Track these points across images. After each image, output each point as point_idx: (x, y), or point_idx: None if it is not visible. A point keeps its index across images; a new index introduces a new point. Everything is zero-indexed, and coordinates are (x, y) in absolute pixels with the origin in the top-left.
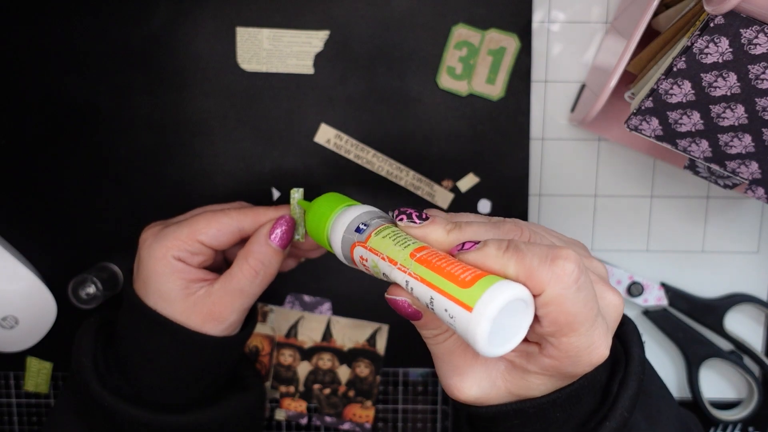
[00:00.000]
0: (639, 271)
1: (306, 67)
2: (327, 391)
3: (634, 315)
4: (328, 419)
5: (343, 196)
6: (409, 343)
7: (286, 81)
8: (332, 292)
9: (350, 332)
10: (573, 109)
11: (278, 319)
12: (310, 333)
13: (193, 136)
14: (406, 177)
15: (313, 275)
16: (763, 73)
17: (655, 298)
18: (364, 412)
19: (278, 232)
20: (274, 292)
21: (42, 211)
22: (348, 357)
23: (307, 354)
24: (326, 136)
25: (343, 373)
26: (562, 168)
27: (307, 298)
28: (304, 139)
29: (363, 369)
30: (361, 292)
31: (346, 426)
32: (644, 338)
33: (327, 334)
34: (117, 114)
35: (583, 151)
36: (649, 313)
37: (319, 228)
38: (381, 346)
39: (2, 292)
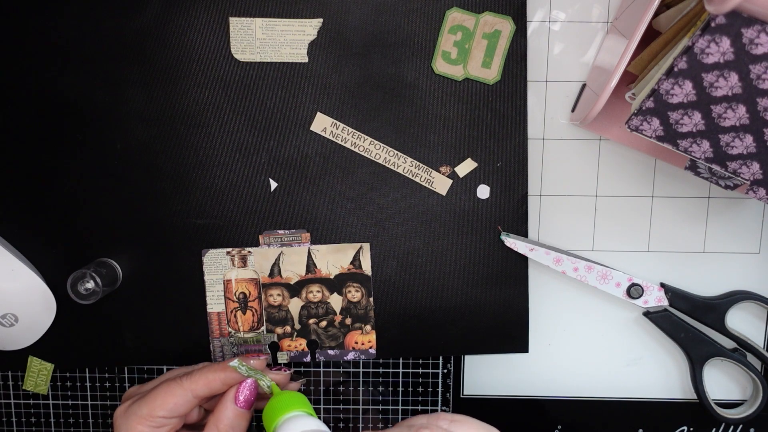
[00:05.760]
0: (640, 272)
1: (300, 55)
2: (323, 323)
3: (634, 317)
4: (330, 352)
5: (306, 402)
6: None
7: (281, 70)
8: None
9: (333, 258)
10: (573, 109)
11: (258, 260)
12: (293, 267)
13: (188, 128)
14: (403, 164)
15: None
16: (765, 72)
17: (655, 299)
18: (365, 338)
19: (242, 396)
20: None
21: (38, 207)
22: (336, 284)
23: (294, 290)
24: (322, 124)
25: (335, 301)
26: (563, 168)
27: (281, 232)
28: (300, 128)
29: (354, 293)
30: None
31: (350, 356)
32: (646, 340)
33: (310, 265)
34: (111, 108)
35: (583, 152)
36: (650, 314)
37: (270, 418)
38: (367, 265)
39: (1, 290)
